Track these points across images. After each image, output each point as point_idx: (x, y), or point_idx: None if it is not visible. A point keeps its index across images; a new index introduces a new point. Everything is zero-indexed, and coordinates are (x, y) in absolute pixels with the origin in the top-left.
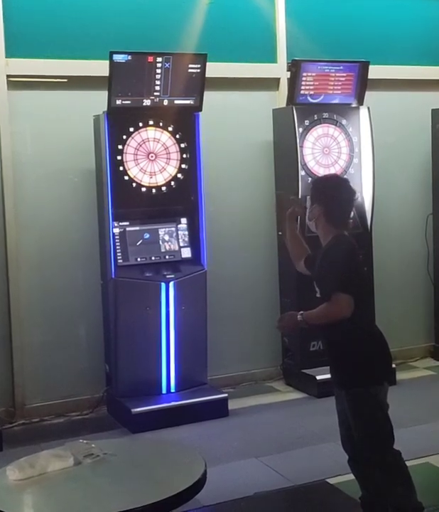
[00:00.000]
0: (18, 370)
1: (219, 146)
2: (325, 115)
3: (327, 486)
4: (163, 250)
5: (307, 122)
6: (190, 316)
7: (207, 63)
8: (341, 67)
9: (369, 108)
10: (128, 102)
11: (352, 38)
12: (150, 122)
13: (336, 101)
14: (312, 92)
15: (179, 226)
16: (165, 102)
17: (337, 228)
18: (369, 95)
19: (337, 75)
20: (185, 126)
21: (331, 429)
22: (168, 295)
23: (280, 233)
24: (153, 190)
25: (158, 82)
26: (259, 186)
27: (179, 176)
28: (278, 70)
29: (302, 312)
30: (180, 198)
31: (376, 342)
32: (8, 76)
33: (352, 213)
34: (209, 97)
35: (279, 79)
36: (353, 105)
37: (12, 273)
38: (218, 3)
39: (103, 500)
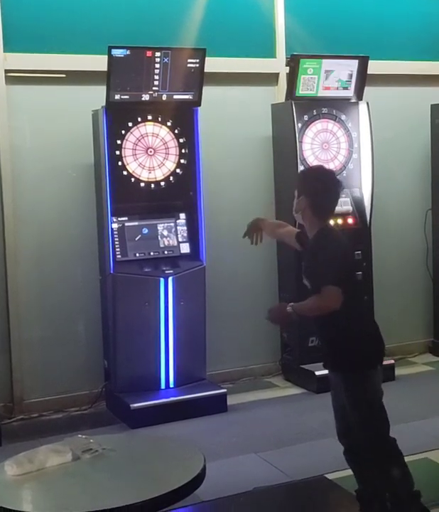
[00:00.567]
0: (16, 366)
1: (217, 141)
2: (324, 110)
3: (325, 481)
4: (161, 246)
5: (306, 117)
6: (188, 312)
7: (206, 58)
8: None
9: (368, 103)
10: (127, 96)
11: (351, 33)
12: (149, 117)
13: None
14: None
15: (178, 221)
16: (164, 97)
17: (322, 220)
18: (368, 90)
19: None
20: (183, 121)
21: (330, 424)
22: (167, 290)
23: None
24: (152, 186)
25: (156, 77)
26: (258, 181)
27: (178, 171)
28: (277, 65)
29: (292, 304)
30: (179, 193)
31: (368, 326)
32: (6, 71)
33: (350, 207)
34: (208, 92)
35: (278, 74)
36: (352, 100)
37: (10, 268)
38: None
39: (102, 496)
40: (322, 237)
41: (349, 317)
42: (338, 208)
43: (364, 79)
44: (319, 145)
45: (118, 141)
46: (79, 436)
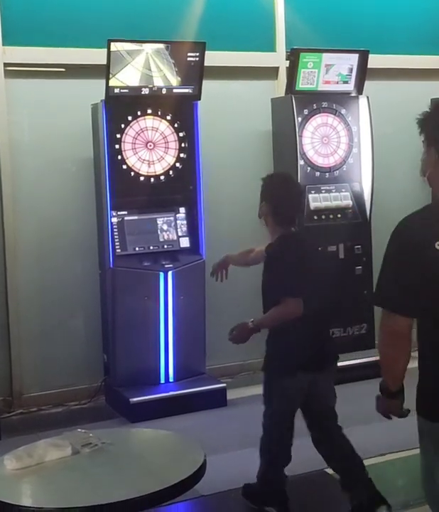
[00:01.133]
0: (15, 360)
1: (217, 135)
2: (324, 104)
3: (325, 475)
4: (161, 240)
5: (306, 111)
6: (188, 306)
7: (206, 52)
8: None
9: (368, 97)
10: (127, 90)
11: (352, 27)
12: (149, 111)
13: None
14: None
15: (177, 215)
16: (164, 91)
17: (283, 226)
18: (369, 84)
19: None
20: (183, 115)
21: None
22: (167, 285)
23: None
24: (152, 180)
25: None
26: (258, 176)
27: (177, 165)
28: (277, 58)
29: (252, 319)
30: (179, 188)
31: (300, 332)
32: (5, 64)
33: (350, 202)
34: (208, 85)
35: (278, 68)
36: (352, 94)
37: (10, 262)
38: None
39: (101, 490)
40: (277, 246)
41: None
42: (338, 203)
43: (364, 73)
44: (319, 139)
45: (118, 135)
46: (79, 430)
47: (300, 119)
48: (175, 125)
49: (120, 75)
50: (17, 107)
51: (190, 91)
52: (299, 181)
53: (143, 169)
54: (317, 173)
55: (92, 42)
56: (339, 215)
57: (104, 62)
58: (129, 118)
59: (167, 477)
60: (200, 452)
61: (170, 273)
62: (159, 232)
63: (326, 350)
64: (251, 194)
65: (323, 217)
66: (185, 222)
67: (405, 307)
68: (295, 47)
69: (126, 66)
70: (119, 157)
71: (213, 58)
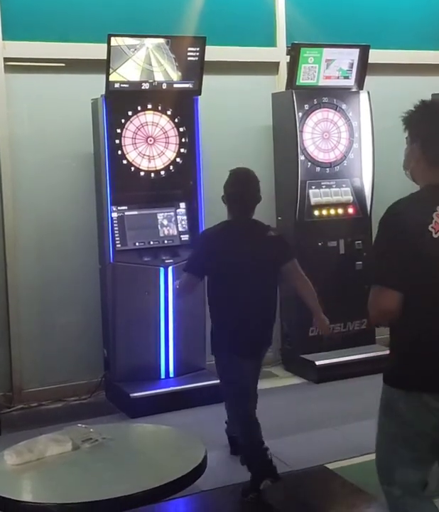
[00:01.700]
0: (16, 355)
1: (218, 130)
2: (325, 99)
3: (326, 471)
4: (161, 235)
5: (306, 107)
6: (188, 301)
7: (206, 47)
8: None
9: (369, 92)
10: (127, 85)
11: (352, 22)
12: (149, 106)
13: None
14: None
15: (178, 211)
16: (164, 86)
17: (234, 215)
18: (369, 79)
19: None
20: (183, 110)
21: (330, 414)
22: (167, 280)
23: (279, 218)
24: (152, 175)
25: None
26: (258, 171)
27: (178, 160)
28: (278, 53)
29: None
30: (179, 183)
31: (232, 314)
32: (5, 59)
33: (351, 197)
34: (209, 80)
35: (278, 63)
36: (353, 90)
37: (10, 257)
38: None
39: (101, 485)
40: (204, 231)
41: (215, 304)
42: (338, 198)
43: (365, 68)
44: (319, 134)
45: (118, 130)
46: (79, 425)
47: (300, 114)
48: (176, 120)
49: (120, 70)
50: (17, 102)
51: (191, 86)
52: (299, 176)
53: (144, 164)
54: (318, 169)
55: (92, 37)
56: (339, 211)
57: (104, 56)
58: (129, 113)
59: (168, 473)
60: (201, 448)
61: (170, 268)
62: (159, 228)
63: (257, 336)
64: None
65: (324, 212)
66: (185, 217)
67: (397, 284)
68: (295, 42)
69: (126, 61)
70: (119, 152)
71: (214, 53)
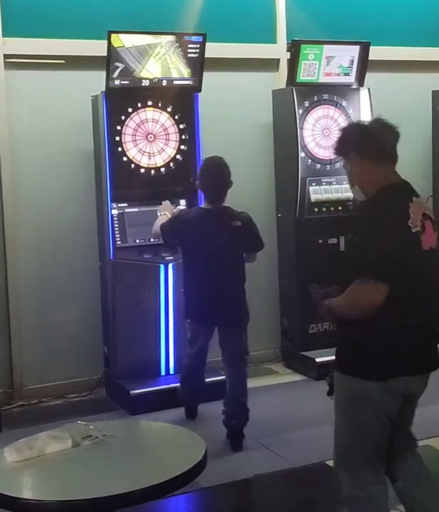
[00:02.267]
0: (16, 352)
1: (218, 127)
2: (325, 96)
3: (326, 468)
4: None
5: (307, 103)
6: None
7: (207, 43)
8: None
9: (369, 89)
10: (127, 82)
11: (353, 19)
12: (149, 103)
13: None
14: None
15: (178, 207)
16: (164, 83)
17: (207, 202)
18: (370, 76)
19: None
20: (184, 107)
21: (330, 411)
22: (167, 277)
23: (279, 215)
24: (152, 172)
25: None
26: (258, 167)
27: (178, 157)
28: (278, 50)
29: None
30: (179, 180)
31: (198, 288)
32: (5, 56)
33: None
34: (209, 77)
35: (279, 60)
36: (353, 86)
37: (10, 254)
38: None
39: (102, 482)
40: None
41: (187, 278)
42: (339, 195)
43: (365, 65)
44: (320, 131)
45: (118, 127)
46: (79, 422)
47: (300, 111)
48: (176, 117)
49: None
50: (17, 99)
51: (191, 83)
52: (300, 173)
53: (144, 161)
54: (318, 165)
55: (92, 33)
56: (339, 207)
57: (104, 53)
58: (129, 110)
59: (168, 470)
60: (201, 445)
61: (170, 265)
62: None
63: (225, 308)
64: (252, 185)
65: (324, 209)
66: None
67: (390, 278)
68: (296, 38)
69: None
70: (120, 149)
71: (214, 50)
